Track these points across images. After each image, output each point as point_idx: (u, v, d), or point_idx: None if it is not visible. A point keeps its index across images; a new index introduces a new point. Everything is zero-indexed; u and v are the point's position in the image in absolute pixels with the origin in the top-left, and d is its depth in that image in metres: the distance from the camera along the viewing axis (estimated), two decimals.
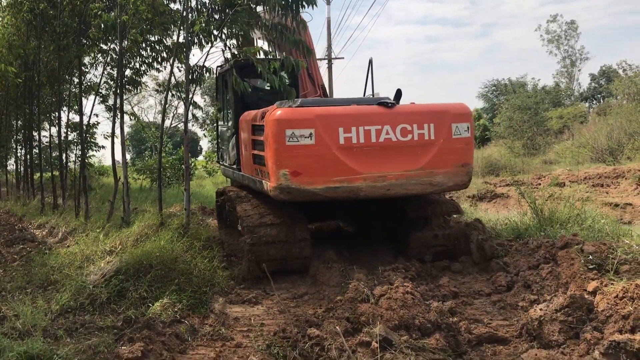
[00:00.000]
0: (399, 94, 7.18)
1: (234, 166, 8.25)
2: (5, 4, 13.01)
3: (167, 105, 8.65)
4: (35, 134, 16.46)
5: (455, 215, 7.28)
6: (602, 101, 51.98)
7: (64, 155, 12.82)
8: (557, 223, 6.82)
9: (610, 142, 23.86)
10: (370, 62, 7.99)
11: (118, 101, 8.94)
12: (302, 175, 6.06)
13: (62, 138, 12.50)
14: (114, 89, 10.57)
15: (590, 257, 4.79)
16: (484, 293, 5.55)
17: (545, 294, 4.81)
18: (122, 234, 7.26)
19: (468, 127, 6.62)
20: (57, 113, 12.38)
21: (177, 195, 16.04)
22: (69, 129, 13.61)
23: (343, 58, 48.26)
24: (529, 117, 38.67)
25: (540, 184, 17.89)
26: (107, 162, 22.48)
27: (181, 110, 40.54)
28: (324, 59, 26.88)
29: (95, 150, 14.67)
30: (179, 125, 59.76)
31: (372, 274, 6.03)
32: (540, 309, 4.03)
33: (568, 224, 6.80)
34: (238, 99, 7.96)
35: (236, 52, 7.16)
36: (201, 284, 5.56)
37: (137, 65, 10.08)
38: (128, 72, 9.89)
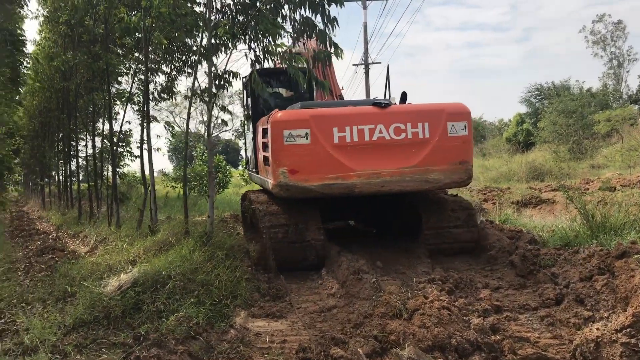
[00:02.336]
0: (404, 96, 7.58)
1: (254, 170, 8.63)
2: (43, 19, 13.19)
3: (191, 111, 8.53)
4: (74, 144, 16.66)
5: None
6: None
7: (98, 164, 12.85)
8: (610, 230, 6.19)
9: None
10: (388, 68, 8.60)
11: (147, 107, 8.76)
12: (299, 173, 6.43)
13: (98, 148, 12.52)
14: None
15: None
16: (530, 307, 5.02)
17: (601, 309, 4.28)
18: (147, 243, 7.04)
19: (465, 126, 6.79)
20: (91, 123, 12.33)
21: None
22: (104, 139, 13.64)
23: (380, 63, 47.76)
24: (574, 121, 37.33)
25: (588, 189, 16.96)
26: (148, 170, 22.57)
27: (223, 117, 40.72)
28: (361, 64, 26.48)
29: (131, 160, 14.60)
30: (219, 135, 60.10)
31: (406, 285, 5.59)
32: (597, 329, 3.51)
33: (624, 230, 6.17)
34: (257, 106, 8.39)
35: (260, 55, 6.85)
36: (222, 296, 5.22)
37: (168, 70, 9.97)
38: (161, 79, 9.78)
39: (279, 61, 6.79)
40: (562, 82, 53.02)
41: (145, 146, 8.46)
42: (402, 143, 6.61)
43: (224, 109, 9.13)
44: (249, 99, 9.26)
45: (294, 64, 6.47)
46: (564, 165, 28.96)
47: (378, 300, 4.91)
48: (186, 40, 8.35)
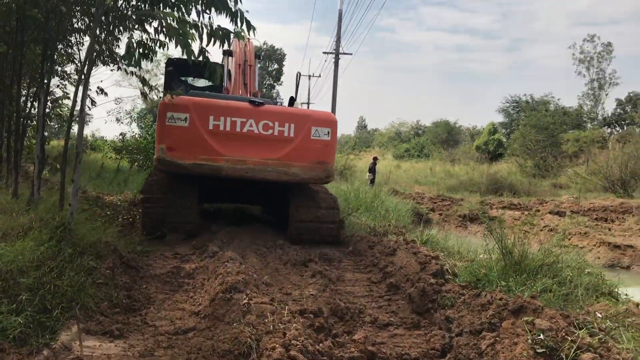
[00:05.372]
0: (292, 100, 9.04)
1: None
2: None
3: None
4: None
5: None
6: (625, 128, 50.03)
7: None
8: (525, 271, 5.49)
9: (623, 173, 22.33)
10: (298, 75, 9.91)
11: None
12: (176, 151, 7.21)
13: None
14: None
15: (542, 336, 3.53)
16: (409, 357, 4.31)
17: None
18: (13, 223, 6.13)
19: (329, 132, 7.72)
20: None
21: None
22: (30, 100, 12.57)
23: (351, 54, 47.05)
24: (544, 137, 37.18)
25: (539, 210, 16.50)
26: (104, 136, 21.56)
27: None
28: (332, 52, 25.56)
29: (57, 124, 13.56)
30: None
31: (280, 311, 4.81)
32: None
33: (538, 274, 5.47)
34: (170, 90, 8.95)
35: (160, 28, 6.01)
36: (54, 304, 4.38)
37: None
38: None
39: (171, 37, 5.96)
40: (542, 97, 53.06)
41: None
42: (268, 138, 7.47)
43: (144, 81, 8.20)
44: (164, 84, 10.67)
45: (182, 37, 5.61)
46: (525, 180, 28.68)
47: (230, 332, 4.16)
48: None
